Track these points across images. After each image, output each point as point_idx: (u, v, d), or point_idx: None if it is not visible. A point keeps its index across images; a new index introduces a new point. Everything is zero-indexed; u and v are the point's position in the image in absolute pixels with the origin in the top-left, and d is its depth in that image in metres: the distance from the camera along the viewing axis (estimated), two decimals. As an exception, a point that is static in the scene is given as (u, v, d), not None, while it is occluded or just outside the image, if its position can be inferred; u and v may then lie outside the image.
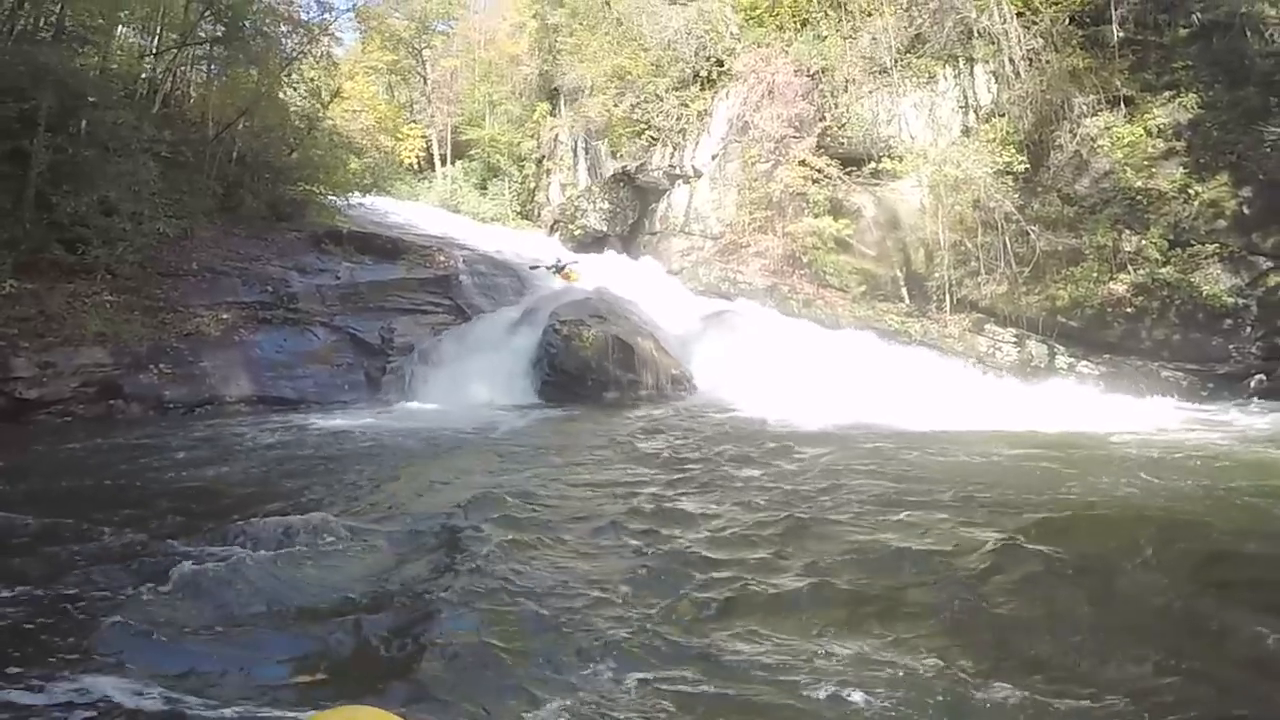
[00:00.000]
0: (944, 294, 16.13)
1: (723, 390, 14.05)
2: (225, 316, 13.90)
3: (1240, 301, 13.13)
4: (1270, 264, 13.12)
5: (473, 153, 32.84)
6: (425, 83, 35.75)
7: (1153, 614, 4.07)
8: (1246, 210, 13.30)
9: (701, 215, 20.63)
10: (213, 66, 20.00)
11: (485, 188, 31.78)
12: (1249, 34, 13.87)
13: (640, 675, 3.57)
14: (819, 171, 17.52)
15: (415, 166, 33.39)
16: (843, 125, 17.80)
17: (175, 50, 17.95)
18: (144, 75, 17.54)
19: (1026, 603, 4.22)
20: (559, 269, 19.02)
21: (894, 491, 6.55)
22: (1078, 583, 4.40)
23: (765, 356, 14.65)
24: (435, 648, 3.80)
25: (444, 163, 33.92)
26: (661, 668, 3.64)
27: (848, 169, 17.70)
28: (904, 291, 16.74)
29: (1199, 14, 14.44)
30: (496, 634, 3.96)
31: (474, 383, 14.00)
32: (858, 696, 3.34)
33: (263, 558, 4.97)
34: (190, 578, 4.54)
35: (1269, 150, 13.00)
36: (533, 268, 19.06)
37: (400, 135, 31.37)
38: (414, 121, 34.92)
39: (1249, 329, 13.21)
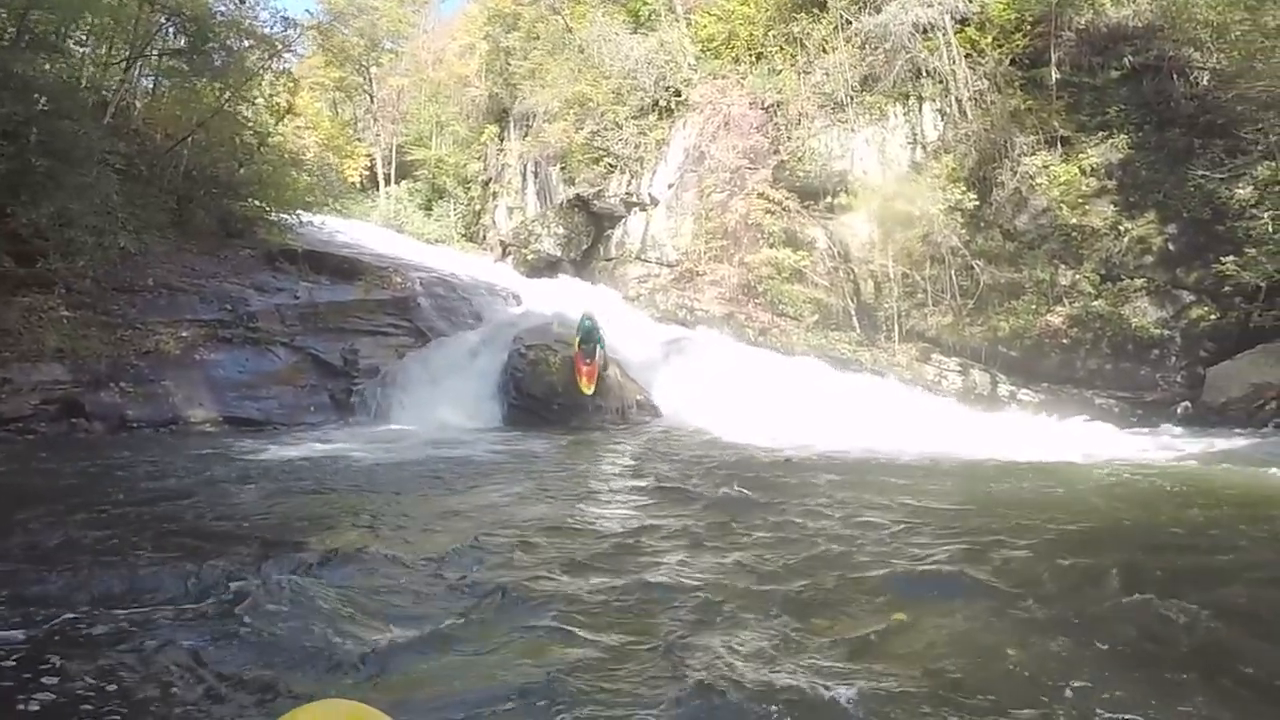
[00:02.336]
0: (893, 324, 16.78)
1: (685, 416, 14.32)
2: (184, 334, 13.58)
3: (1165, 333, 13.99)
4: (1192, 298, 14.01)
5: (418, 173, 32.61)
6: (371, 100, 35.43)
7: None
8: (1171, 246, 14.22)
9: (658, 243, 20.88)
10: (162, 79, 19.56)
11: (430, 209, 31.55)
12: (1175, 77, 14.88)
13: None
14: (776, 204, 17.97)
15: (359, 185, 32.98)
16: (800, 159, 18.28)
17: (129, 61, 17.49)
18: (88, 83, 16.89)
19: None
20: (588, 337, 14.63)
21: (865, 513, 6.65)
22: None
23: (725, 383, 14.96)
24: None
25: (388, 182, 33.57)
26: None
27: (804, 202, 18.17)
28: (855, 321, 17.29)
29: (1130, 57, 15.41)
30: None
31: (440, 406, 13.98)
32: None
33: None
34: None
35: (1192, 190, 13.86)
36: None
37: (346, 153, 30.99)
38: (358, 139, 34.49)
39: (1173, 359, 14.07)
